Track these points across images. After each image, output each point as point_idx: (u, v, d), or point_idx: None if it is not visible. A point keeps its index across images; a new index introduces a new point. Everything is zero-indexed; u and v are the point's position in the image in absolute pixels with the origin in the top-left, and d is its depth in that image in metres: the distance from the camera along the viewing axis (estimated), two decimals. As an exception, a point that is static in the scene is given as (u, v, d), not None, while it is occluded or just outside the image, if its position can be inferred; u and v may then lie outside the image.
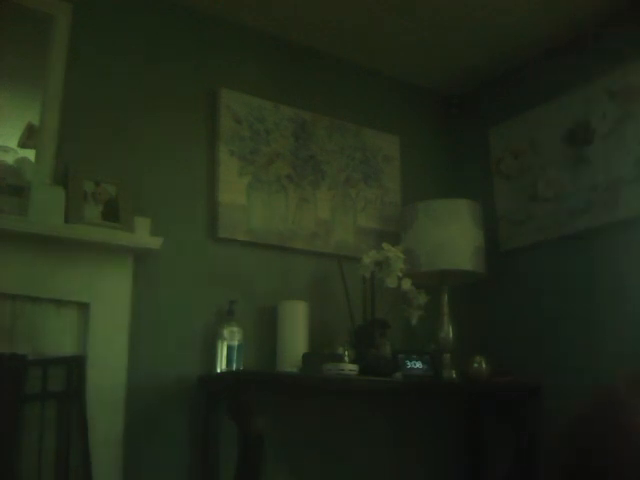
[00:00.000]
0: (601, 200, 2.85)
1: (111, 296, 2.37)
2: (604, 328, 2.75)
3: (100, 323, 2.32)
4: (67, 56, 2.50)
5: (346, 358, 2.49)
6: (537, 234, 3.09)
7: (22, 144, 2.40)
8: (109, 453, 2.23)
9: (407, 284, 2.76)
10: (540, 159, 3.14)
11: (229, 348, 2.47)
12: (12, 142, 2.38)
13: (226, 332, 2.48)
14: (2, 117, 2.40)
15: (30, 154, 2.38)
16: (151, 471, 2.36)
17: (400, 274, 2.70)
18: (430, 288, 2.92)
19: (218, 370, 2.46)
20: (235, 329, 2.49)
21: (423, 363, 2.69)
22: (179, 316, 2.55)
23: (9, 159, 2.31)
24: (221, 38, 2.95)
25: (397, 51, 3.25)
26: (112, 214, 2.41)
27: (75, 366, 2.15)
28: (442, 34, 3.11)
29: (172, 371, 2.48)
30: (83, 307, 2.32)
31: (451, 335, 2.87)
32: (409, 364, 2.65)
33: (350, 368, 2.43)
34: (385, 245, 2.75)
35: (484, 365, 2.75)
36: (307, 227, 2.95)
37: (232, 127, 2.84)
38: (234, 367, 2.44)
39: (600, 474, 0.94)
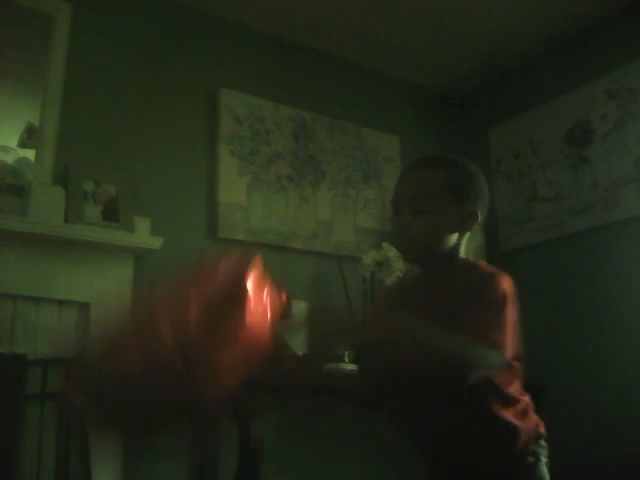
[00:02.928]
0: (601, 200, 2.85)
1: (111, 296, 2.36)
2: (604, 328, 2.75)
3: (100, 323, 2.32)
4: (67, 56, 2.51)
5: (346, 358, 2.49)
6: (537, 234, 3.09)
7: (22, 144, 2.40)
8: (109, 454, 2.23)
9: (407, 284, 2.75)
10: (540, 159, 3.14)
11: (229, 348, 2.46)
12: (12, 142, 2.38)
13: (226, 332, 2.48)
14: (2, 117, 2.40)
15: (30, 154, 2.38)
16: (151, 471, 2.36)
17: (400, 274, 2.70)
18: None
19: (218, 370, 2.46)
20: (235, 329, 2.49)
21: (423, 363, 2.69)
22: (179, 316, 2.55)
23: (9, 159, 2.32)
24: (221, 38, 2.95)
25: (397, 51, 3.25)
26: (112, 214, 2.41)
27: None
28: (442, 34, 3.11)
29: (172, 371, 2.48)
30: (83, 307, 2.32)
31: (451, 335, 2.86)
32: (409, 364, 2.65)
33: (350, 368, 2.43)
34: (385, 245, 2.75)
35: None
36: (307, 227, 2.94)
37: (232, 127, 2.84)
38: (234, 367, 2.44)
39: None
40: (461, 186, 1.37)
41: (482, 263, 1.41)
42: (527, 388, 1.45)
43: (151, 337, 1.08)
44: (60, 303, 2.30)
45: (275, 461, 2.47)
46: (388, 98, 3.41)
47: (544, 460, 1.36)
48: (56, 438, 2.09)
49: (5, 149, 2.33)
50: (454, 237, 1.40)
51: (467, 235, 1.42)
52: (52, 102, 2.44)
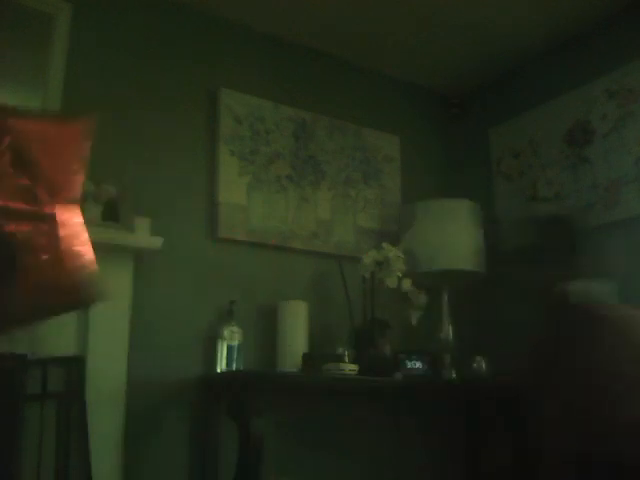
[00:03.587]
0: (601, 200, 2.85)
1: (111, 296, 2.36)
2: (604, 328, 2.75)
3: (100, 323, 2.32)
4: (67, 56, 2.50)
5: (346, 358, 2.49)
6: (537, 234, 3.09)
7: (22, 144, 2.40)
8: (109, 453, 2.23)
9: (407, 284, 2.76)
10: (540, 159, 3.14)
11: (229, 348, 2.47)
12: (12, 142, 2.38)
13: (226, 332, 2.48)
14: (2, 117, 2.40)
15: (30, 154, 2.37)
16: (151, 471, 2.36)
17: (400, 274, 2.70)
18: (430, 288, 2.92)
19: (218, 370, 2.46)
20: (235, 329, 2.49)
21: (423, 363, 2.69)
22: (179, 316, 2.55)
23: (9, 159, 2.31)
24: (221, 38, 2.95)
25: (397, 51, 3.25)
26: (112, 214, 2.41)
27: (75, 366, 2.15)
28: (442, 34, 3.11)
29: (172, 371, 2.48)
30: (83, 307, 2.32)
31: (451, 335, 2.87)
32: (409, 364, 2.65)
33: (350, 368, 2.43)
34: (385, 245, 2.75)
35: (484, 365, 2.75)
36: (307, 227, 2.94)
37: (232, 127, 2.84)
38: (234, 367, 2.44)
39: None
40: None
41: None
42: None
43: None
44: (60, 303, 2.29)
45: (275, 461, 2.47)
46: (388, 98, 3.41)
47: None
48: (56, 438, 2.09)
49: (5, 149, 2.33)
50: None
51: None
52: (52, 102, 2.44)
